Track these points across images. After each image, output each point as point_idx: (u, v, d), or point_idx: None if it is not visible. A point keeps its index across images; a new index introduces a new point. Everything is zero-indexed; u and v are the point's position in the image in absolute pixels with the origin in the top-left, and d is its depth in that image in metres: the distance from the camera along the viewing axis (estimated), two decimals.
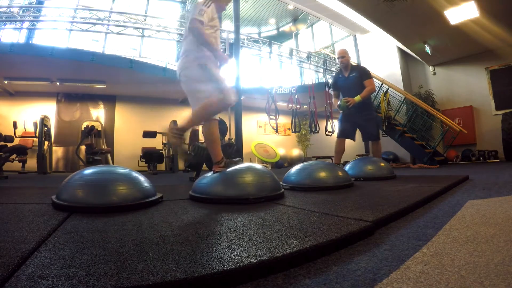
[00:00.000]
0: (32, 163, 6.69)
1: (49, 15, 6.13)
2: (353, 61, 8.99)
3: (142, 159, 7.39)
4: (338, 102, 3.45)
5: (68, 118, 8.11)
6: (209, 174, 1.84)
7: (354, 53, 9.64)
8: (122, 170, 1.61)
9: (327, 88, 6.95)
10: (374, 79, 7.63)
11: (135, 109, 8.68)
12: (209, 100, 1.73)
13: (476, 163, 6.51)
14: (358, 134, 3.61)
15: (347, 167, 2.97)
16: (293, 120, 6.55)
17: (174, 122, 2.12)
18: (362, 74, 3.46)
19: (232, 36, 5.60)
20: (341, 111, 3.51)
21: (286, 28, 12.77)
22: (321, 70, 8.77)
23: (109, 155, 7.68)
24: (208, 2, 1.78)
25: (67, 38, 7.59)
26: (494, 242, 0.82)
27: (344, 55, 3.53)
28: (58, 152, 7.86)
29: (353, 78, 3.46)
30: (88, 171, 1.54)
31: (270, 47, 7.58)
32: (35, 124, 6.92)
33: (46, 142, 6.92)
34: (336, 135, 3.72)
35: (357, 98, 3.31)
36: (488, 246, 0.80)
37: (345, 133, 3.51)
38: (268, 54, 7.63)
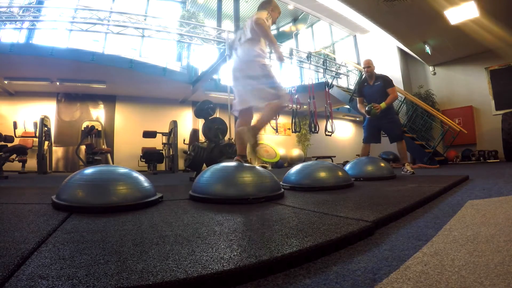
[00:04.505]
0: (32, 163, 6.69)
1: (49, 15, 6.12)
2: (354, 61, 9.01)
3: (142, 159, 7.39)
4: (366, 108, 3.72)
5: (68, 118, 8.12)
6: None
7: (354, 53, 9.64)
8: (122, 170, 1.61)
9: (327, 88, 6.95)
10: None
11: (135, 109, 8.68)
12: (272, 104, 2.02)
13: (476, 163, 6.50)
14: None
15: (347, 167, 2.98)
16: (293, 120, 6.55)
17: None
18: (386, 83, 3.77)
19: (232, 36, 5.59)
20: (367, 116, 3.79)
21: (286, 28, 12.76)
22: (321, 70, 8.76)
23: (109, 155, 7.70)
24: (268, 16, 2.16)
25: (67, 38, 7.59)
26: (494, 242, 0.82)
27: (369, 65, 3.86)
28: (58, 152, 7.86)
29: (377, 86, 3.78)
30: (88, 171, 1.54)
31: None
32: (35, 124, 6.92)
33: (46, 142, 6.93)
34: (362, 140, 3.97)
35: (383, 105, 3.62)
36: (488, 246, 0.80)
37: (370, 138, 3.83)
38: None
